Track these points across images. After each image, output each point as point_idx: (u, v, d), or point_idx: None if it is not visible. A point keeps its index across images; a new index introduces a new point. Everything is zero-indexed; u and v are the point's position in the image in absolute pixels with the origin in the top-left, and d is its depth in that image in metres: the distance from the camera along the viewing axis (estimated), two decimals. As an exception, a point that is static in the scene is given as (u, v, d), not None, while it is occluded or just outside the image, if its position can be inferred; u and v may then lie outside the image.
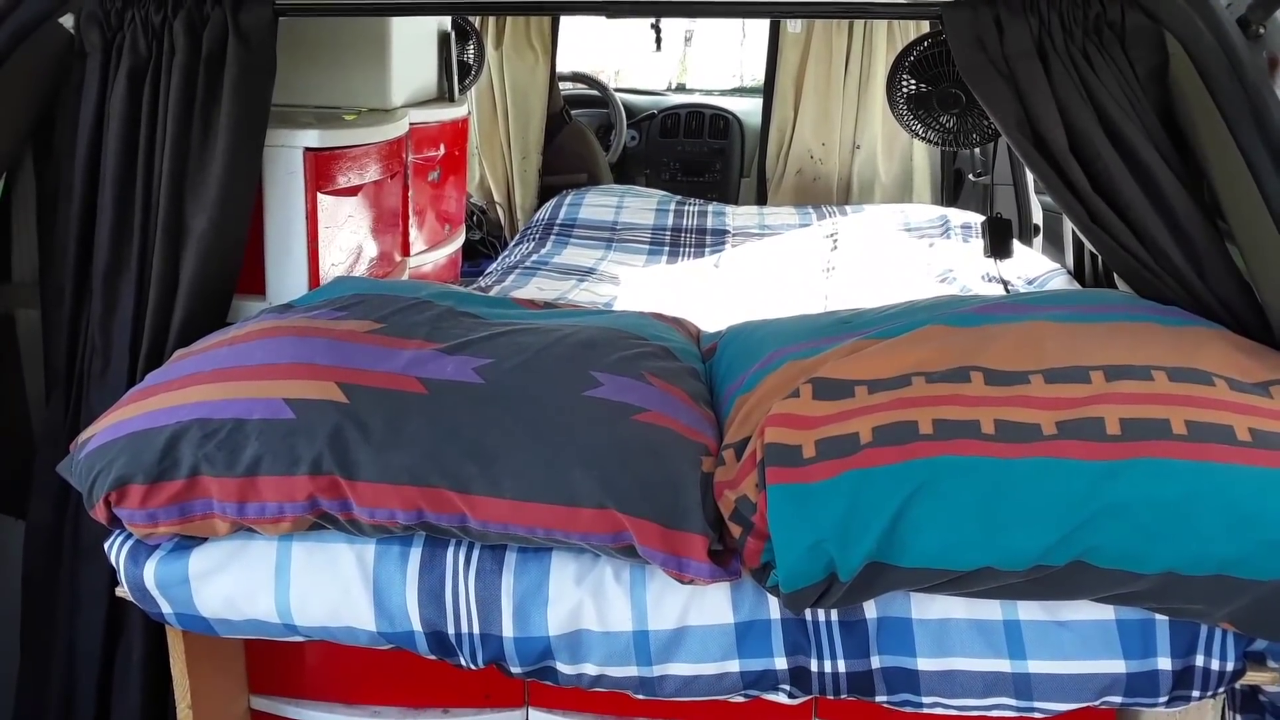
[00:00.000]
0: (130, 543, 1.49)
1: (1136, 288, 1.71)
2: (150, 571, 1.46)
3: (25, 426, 1.92)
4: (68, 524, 1.81)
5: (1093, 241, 1.70)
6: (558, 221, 4.01)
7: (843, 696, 1.41)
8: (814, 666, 1.40)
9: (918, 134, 2.45)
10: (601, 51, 6.06)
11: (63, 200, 1.81)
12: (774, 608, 1.39)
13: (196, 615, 1.48)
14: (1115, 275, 1.80)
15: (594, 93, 5.14)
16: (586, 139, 4.88)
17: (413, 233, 2.74)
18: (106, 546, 1.52)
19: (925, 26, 2.56)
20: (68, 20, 1.79)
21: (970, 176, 4.23)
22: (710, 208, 4.16)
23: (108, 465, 1.43)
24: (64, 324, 1.81)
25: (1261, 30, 1.62)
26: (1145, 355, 1.41)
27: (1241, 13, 1.63)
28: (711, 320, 2.02)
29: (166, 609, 1.48)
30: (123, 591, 1.51)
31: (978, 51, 1.68)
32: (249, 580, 1.45)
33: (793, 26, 4.65)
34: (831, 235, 3.78)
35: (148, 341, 1.78)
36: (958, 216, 3.88)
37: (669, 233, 3.96)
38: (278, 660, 1.71)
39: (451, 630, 1.43)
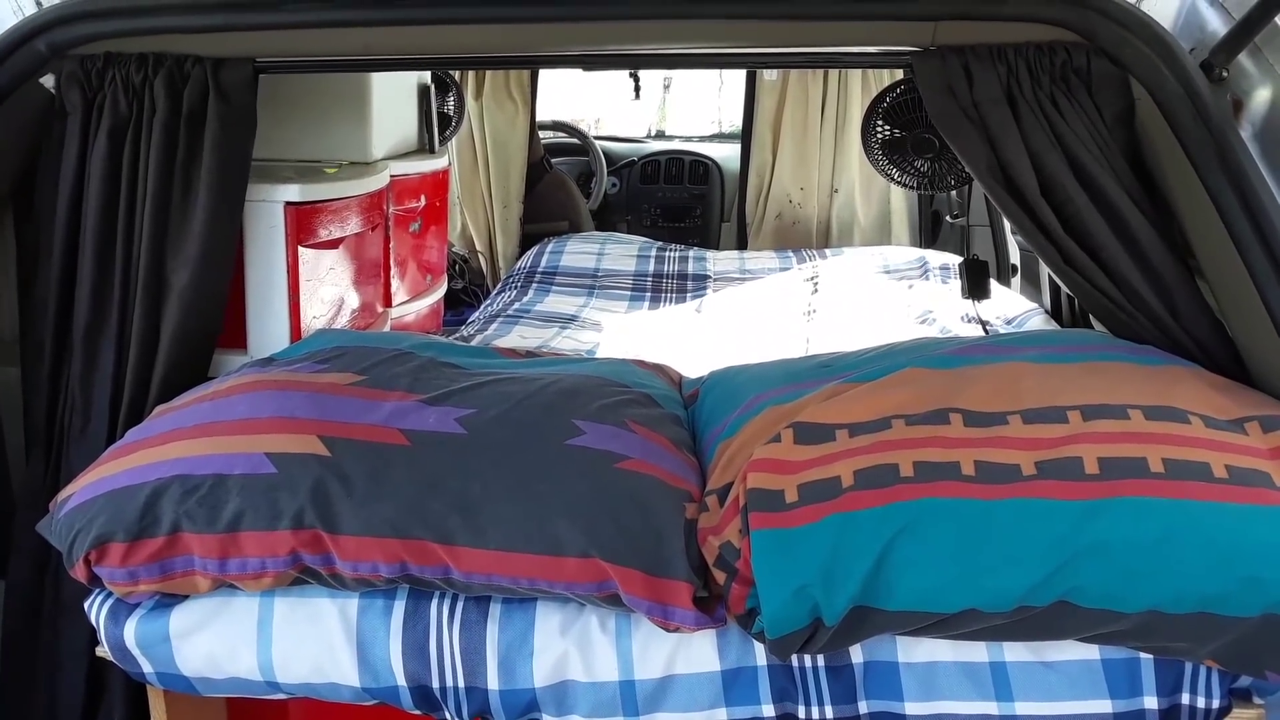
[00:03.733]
0: (110, 602, 1.48)
1: (1111, 327, 1.73)
2: (131, 631, 1.45)
3: (5, 485, 1.90)
4: (48, 583, 1.79)
5: (1066, 283, 1.72)
6: (539, 269, 4.02)
7: (831, 743, 1.40)
8: (801, 713, 1.39)
9: (893, 178, 2.48)
10: (581, 100, 6.12)
11: (43, 258, 1.81)
12: (760, 654, 1.39)
13: (178, 674, 1.46)
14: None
15: (574, 141, 5.18)
16: (567, 187, 4.92)
17: (394, 283, 2.75)
18: (86, 606, 1.50)
19: (899, 72, 2.60)
20: (49, 80, 1.80)
21: (948, 218, 4.28)
22: (691, 253, 4.19)
23: (88, 524, 1.42)
24: (44, 381, 1.81)
25: (1225, 74, 1.66)
26: (1121, 394, 1.43)
27: (1205, 57, 1.66)
28: (695, 365, 2.03)
29: (147, 668, 1.47)
30: (103, 651, 1.50)
31: (948, 99, 1.71)
32: (230, 638, 1.43)
33: (769, 74, 4.72)
34: (812, 278, 3.81)
35: (128, 398, 1.78)
36: (936, 258, 3.92)
37: (650, 279, 3.98)
38: (260, 718, 1.69)
39: (436, 684, 1.42)
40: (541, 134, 5.03)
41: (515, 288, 3.93)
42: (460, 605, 1.43)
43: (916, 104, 2.31)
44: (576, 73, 4.78)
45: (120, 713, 1.76)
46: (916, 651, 1.37)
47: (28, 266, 1.85)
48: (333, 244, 2.30)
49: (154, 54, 1.78)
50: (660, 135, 5.84)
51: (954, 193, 4.00)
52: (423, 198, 2.91)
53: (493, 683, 1.40)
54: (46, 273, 1.81)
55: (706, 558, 1.36)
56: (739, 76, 5.06)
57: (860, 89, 4.64)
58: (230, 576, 1.41)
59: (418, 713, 1.46)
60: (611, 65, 2.31)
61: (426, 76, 3.03)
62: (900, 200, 4.72)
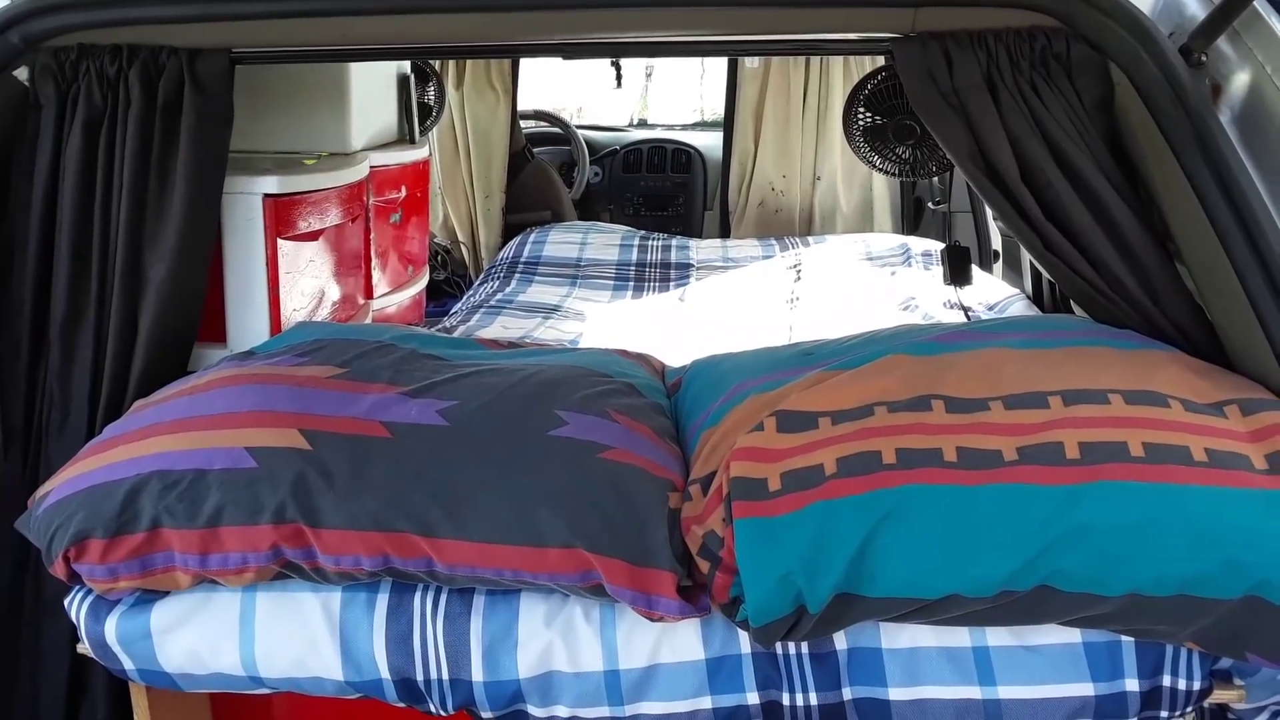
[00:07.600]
0: (91, 598, 1.47)
1: (1092, 312, 1.73)
2: (111, 627, 1.44)
3: (-18, 482, 1.89)
4: (28, 581, 1.78)
5: (1047, 268, 1.73)
6: (522, 259, 4.01)
7: (816, 730, 1.41)
8: (786, 700, 1.39)
9: (875, 165, 2.48)
10: (563, 89, 6.10)
11: (18, 252, 1.79)
12: (744, 642, 1.39)
13: (160, 671, 1.45)
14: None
15: (556, 130, 5.17)
16: (549, 176, 4.90)
17: (376, 275, 2.74)
18: (66, 603, 1.49)
19: (880, 59, 2.60)
20: (22, 73, 1.78)
21: (930, 204, 4.29)
22: (674, 242, 4.18)
23: (66, 520, 1.41)
24: (21, 377, 1.79)
25: (1203, 58, 1.66)
26: (1102, 379, 1.43)
27: (1184, 41, 1.66)
28: (678, 354, 2.03)
29: (129, 665, 1.46)
30: (84, 648, 1.49)
31: (928, 85, 1.71)
32: (213, 633, 1.43)
33: (750, 62, 4.71)
34: (795, 266, 3.81)
35: (107, 393, 1.76)
36: (918, 244, 3.92)
37: (633, 268, 3.97)
38: (244, 713, 1.68)
39: (420, 677, 1.41)
40: (523, 123, 5.01)
41: (498, 278, 3.92)
42: (444, 598, 1.43)
43: (897, 91, 2.31)
44: (557, 61, 4.78)
45: (103, 710, 1.75)
46: (899, 637, 1.38)
47: (3, 261, 1.83)
48: (312, 236, 2.29)
49: (128, 45, 1.76)
50: (642, 124, 5.84)
51: (935, 179, 4.00)
52: (403, 188, 2.90)
53: (477, 675, 1.40)
54: (22, 267, 1.79)
55: (690, 547, 1.36)
56: (720, 64, 5.06)
57: (841, 76, 4.64)
58: (211, 572, 1.40)
59: (402, 706, 1.45)
60: (592, 53, 2.30)
61: (406, 66, 3.01)
62: (882, 187, 4.73)
